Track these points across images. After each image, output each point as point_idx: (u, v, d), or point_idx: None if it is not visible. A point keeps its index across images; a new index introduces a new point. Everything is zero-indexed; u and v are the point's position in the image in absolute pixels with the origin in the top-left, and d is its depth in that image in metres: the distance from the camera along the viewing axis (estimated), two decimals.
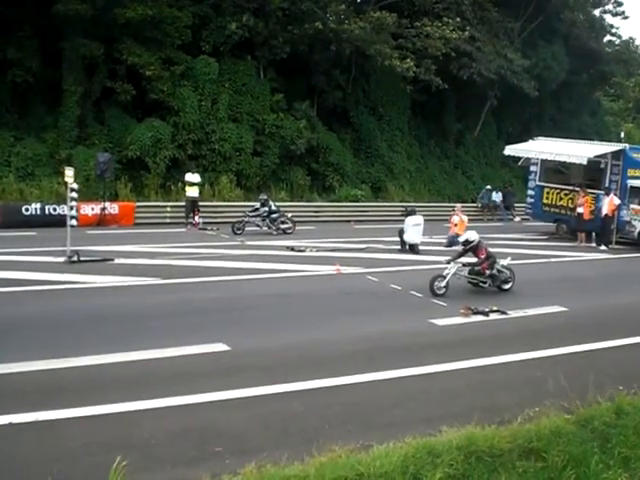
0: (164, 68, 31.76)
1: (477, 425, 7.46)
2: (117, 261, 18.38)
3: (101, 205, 26.48)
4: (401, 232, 22.71)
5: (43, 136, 30.26)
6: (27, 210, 25.65)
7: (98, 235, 23.47)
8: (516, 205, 37.48)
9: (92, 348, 10.27)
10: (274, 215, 26.09)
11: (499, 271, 16.17)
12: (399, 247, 22.57)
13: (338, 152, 36.33)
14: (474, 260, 16.18)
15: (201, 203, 28.06)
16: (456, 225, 24.12)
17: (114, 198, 28.40)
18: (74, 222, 19.41)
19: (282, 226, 26.10)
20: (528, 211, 32.09)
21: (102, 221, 26.30)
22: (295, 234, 25.52)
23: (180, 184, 29.44)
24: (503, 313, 13.77)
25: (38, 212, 25.76)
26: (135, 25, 30.58)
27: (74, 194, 19.15)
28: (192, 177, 27.64)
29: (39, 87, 30.25)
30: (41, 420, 7.69)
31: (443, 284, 15.31)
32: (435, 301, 14.78)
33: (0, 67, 29.65)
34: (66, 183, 19.43)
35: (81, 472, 6.49)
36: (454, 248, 21.74)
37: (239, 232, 25.28)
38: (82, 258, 17.94)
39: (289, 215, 26.67)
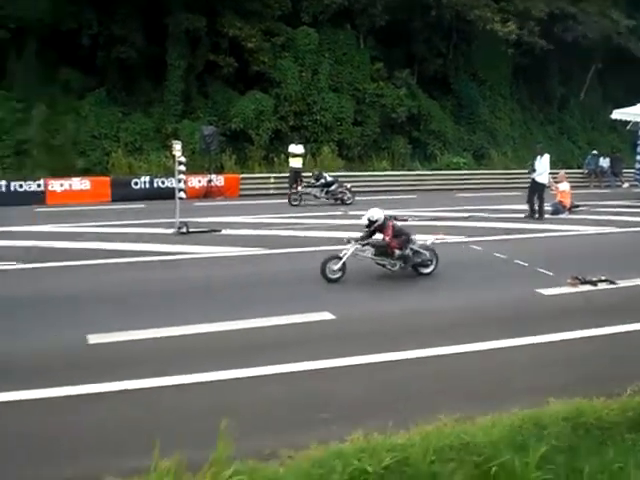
0: (265, 40, 32.14)
1: (584, 397, 7.40)
2: (224, 232, 18.84)
3: (207, 177, 27.16)
4: (530, 198, 22.19)
5: (150, 111, 31.20)
6: (136, 184, 26.64)
7: (205, 207, 24.09)
8: (624, 171, 36.31)
9: (200, 316, 10.60)
10: (332, 187, 25.97)
11: (415, 252, 14.03)
12: (525, 215, 22.14)
13: (439, 120, 36.01)
14: (378, 239, 14.07)
15: (304, 174, 28.33)
16: (561, 192, 23.52)
17: (219, 170, 29.06)
18: (182, 194, 19.98)
19: (341, 196, 25.86)
20: (637, 177, 31.05)
21: (208, 193, 27.04)
22: (396, 203, 25.27)
23: (283, 155, 29.83)
24: (612, 283, 13.43)
25: (147, 185, 26.75)
26: None
27: (182, 167, 19.69)
28: (295, 148, 27.91)
29: (144, 63, 31.03)
30: (149, 387, 8.01)
31: (337, 266, 13.42)
32: (542, 270, 14.48)
33: (106, 44, 30.62)
34: (174, 156, 19.97)
35: (187, 437, 6.65)
36: (561, 216, 21.36)
37: (295, 203, 25.32)
38: (190, 229, 18.51)
39: (348, 185, 26.32)
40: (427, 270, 14.17)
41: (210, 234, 18.49)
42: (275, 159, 30.87)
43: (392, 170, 32.73)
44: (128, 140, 29.88)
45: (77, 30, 29.97)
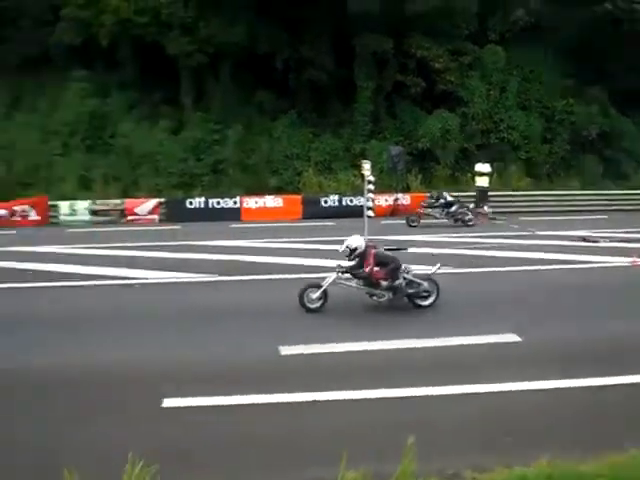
0: (452, 59, 32.21)
1: None
2: (410, 250, 19.06)
3: (394, 196, 27.60)
4: None
5: (339, 131, 32.14)
6: (326, 202, 27.64)
7: (391, 225, 24.45)
8: None
9: (392, 332, 10.93)
10: (453, 207, 25.12)
11: (410, 283, 12.82)
12: None
13: (633, 137, 34.55)
14: (359, 269, 12.77)
15: (490, 193, 28.03)
16: None
17: (406, 189, 29.40)
18: (371, 213, 20.47)
19: (461, 217, 24.95)
20: None
21: (395, 211, 27.45)
22: (586, 223, 24.46)
23: (469, 174, 29.73)
24: None
25: (336, 203, 27.70)
26: (424, 18, 31.18)
27: (371, 186, 20.20)
28: (482, 167, 27.78)
29: (334, 85, 31.94)
30: (338, 399, 8.34)
31: (316, 295, 12.59)
32: None
33: (297, 67, 31.88)
34: (363, 175, 20.52)
35: (373, 450, 6.84)
36: None
37: (414, 224, 24.70)
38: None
39: (470, 206, 25.63)
40: (425, 302, 12.88)
41: (397, 252, 18.74)
42: (461, 178, 30.80)
43: (582, 189, 31.72)
44: (318, 160, 31.05)
45: (271, 54, 31.37)
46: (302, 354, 10.08)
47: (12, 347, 10.55)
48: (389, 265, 12.64)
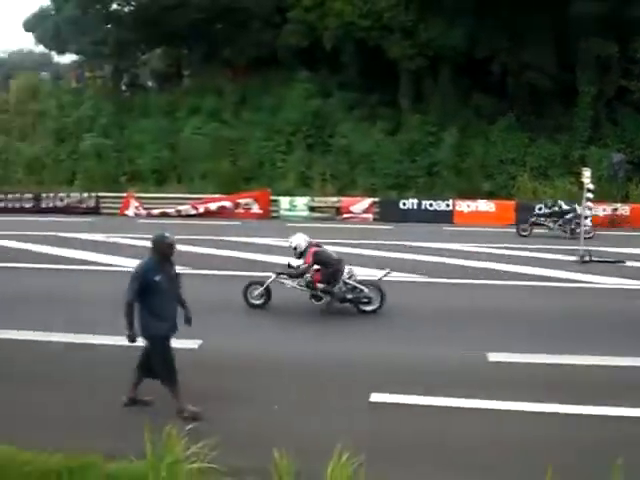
0: None
1: None
2: (628, 264, 18.49)
3: (613, 206, 26.62)
4: None
5: (556, 137, 31.42)
6: (540, 209, 27.01)
7: (609, 236, 23.58)
8: None
9: (606, 348, 10.57)
10: (568, 215, 23.39)
11: (352, 288, 12.79)
12: None
13: None
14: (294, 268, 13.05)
15: None
16: None
17: (625, 199, 28.26)
18: (588, 222, 19.98)
19: (575, 228, 22.57)
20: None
21: (613, 222, 26.41)
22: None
23: None
24: None
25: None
26: None
27: (590, 194, 19.75)
28: None
29: (554, 89, 31.31)
30: (544, 411, 8.26)
31: (258, 292, 13.05)
32: None
33: (516, 71, 31.66)
34: (581, 183, 20.09)
35: (579, 467, 6.74)
36: None
37: (525, 234, 23.55)
38: (593, 258, 18.48)
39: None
40: (368, 308, 12.79)
41: (613, 265, 18.25)
42: None
43: None
44: (534, 165, 30.58)
45: (489, 57, 31.30)
46: (511, 362, 10.08)
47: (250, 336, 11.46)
48: (330, 267, 12.78)
